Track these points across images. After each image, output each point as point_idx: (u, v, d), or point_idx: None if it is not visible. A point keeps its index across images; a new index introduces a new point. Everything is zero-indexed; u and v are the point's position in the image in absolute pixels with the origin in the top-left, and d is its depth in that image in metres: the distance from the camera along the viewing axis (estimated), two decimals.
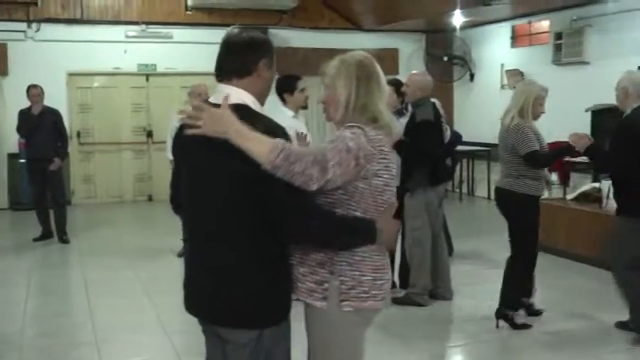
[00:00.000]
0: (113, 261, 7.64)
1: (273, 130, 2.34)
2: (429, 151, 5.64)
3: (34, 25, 11.07)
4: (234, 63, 2.47)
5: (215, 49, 2.56)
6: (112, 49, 11.46)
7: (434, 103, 5.93)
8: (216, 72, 2.52)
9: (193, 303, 2.55)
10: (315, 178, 2.25)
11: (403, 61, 12.80)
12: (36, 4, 10.96)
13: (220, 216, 2.41)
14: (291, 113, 5.44)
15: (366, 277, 2.48)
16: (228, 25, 8.36)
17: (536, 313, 5.50)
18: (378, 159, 2.44)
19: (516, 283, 5.28)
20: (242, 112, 2.32)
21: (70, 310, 6.07)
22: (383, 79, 2.59)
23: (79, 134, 11.58)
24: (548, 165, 5.31)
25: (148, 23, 11.59)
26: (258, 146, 2.21)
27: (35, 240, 8.55)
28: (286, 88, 5.45)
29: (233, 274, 2.40)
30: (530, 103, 5.07)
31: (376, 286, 2.50)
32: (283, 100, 5.45)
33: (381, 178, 2.46)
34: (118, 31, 11.50)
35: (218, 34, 3.17)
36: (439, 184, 5.93)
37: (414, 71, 6.29)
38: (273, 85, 2.78)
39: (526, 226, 5.19)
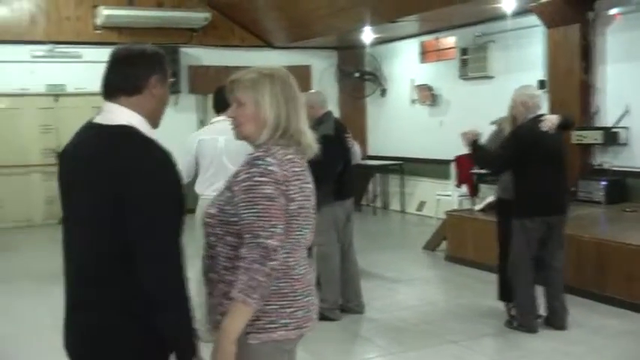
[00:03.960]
0: (21, 286, 7.43)
1: (162, 156, 2.22)
2: (329, 166, 5.65)
3: None
4: (121, 79, 2.26)
5: None
6: (17, 70, 11.15)
7: (336, 119, 6.01)
8: (102, 89, 2.30)
9: None
10: (271, 264, 2.22)
11: (316, 77, 12.91)
12: None
13: None
14: None
15: (270, 307, 2.31)
16: None
17: None
18: (291, 182, 2.32)
19: None
20: (127, 136, 2.21)
21: None
22: (301, 97, 2.46)
23: None
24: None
25: (55, 42, 11.35)
26: (240, 317, 2.23)
27: None
28: None
29: None
30: None
31: (285, 315, 2.34)
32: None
33: (295, 202, 2.32)
34: (22, 51, 11.20)
35: None
36: (345, 198, 6.01)
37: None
38: None
39: None
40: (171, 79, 8.61)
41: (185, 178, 4.72)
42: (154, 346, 2.24)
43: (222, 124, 5.08)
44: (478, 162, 5.84)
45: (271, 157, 2.31)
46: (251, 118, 2.38)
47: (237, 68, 2.54)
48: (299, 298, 2.38)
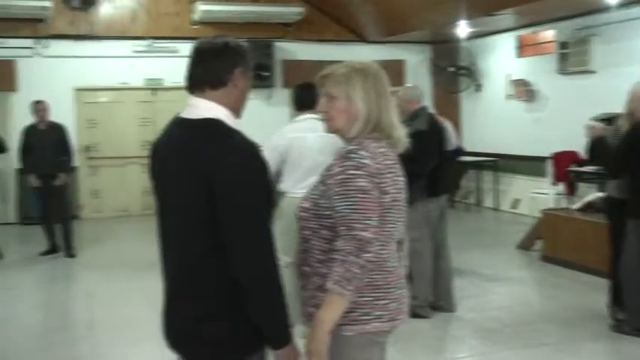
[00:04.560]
0: (118, 274, 7.67)
1: (248, 148, 2.22)
2: (421, 162, 5.47)
3: (42, 42, 11.17)
4: (206, 72, 2.27)
5: None
6: (119, 64, 11.56)
7: (431, 114, 5.90)
8: (187, 83, 2.31)
9: None
10: (366, 256, 2.23)
11: (410, 72, 12.81)
12: (43, 20, 11.04)
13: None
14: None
15: (364, 299, 2.32)
16: None
17: None
18: (385, 174, 2.33)
19: None
20: (215, 130, 2.23)
21: (71, 325, 6.09)
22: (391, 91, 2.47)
23: (87, 149, 11.65)
24: None
25: (154, 38, 11.69)
26: (335, 308, 2.24)
27: (41, 254, 8.59)
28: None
29: None
30: None
31: (379, 307, 2.35)
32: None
33: (388, 195, 2.32)
34: (124, 46, 11.61)
35: None
36: (439, 195, 5.90)
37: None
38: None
39: None
40: (266, 74, 8.68)
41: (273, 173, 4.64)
42: (255, 336, 2.26)
43: (308, 122, 4.95)
44: (601, 161, 5.55)
45: (364, 150, 2.32)
46: (343, 111, 2.40)
47: (330, 63, 2.55)
48: (392, 290, 2.40)
